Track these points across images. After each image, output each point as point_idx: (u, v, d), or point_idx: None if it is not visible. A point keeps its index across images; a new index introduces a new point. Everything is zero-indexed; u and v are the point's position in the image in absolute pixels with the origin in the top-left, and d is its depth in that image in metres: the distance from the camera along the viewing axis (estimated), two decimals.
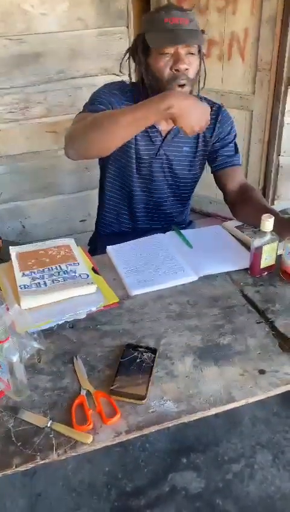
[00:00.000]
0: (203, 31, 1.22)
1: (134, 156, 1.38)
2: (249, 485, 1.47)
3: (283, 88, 2.31)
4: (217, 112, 1.40)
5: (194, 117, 1.10)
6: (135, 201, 1.47)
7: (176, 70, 1.19)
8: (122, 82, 1.36)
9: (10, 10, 1.86)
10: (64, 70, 2.03)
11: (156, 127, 1.35)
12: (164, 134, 1.37)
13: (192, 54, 1.20)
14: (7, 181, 2.18)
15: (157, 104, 1.06)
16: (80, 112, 1.26)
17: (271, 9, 2.19)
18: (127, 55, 1.30)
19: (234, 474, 1.51)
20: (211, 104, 1.40)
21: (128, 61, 1.31)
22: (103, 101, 1.26)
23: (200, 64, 1.25)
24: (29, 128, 2.10)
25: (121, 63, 1.30)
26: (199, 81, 1.29)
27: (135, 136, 1.33)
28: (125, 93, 1.32)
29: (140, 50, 1.24)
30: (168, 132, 1.36)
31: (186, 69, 1.20)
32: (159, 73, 1.21)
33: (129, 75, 1.35)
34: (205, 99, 1.42)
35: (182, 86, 1.21)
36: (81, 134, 1.13)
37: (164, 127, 1.36)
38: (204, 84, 1.32)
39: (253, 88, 2.42)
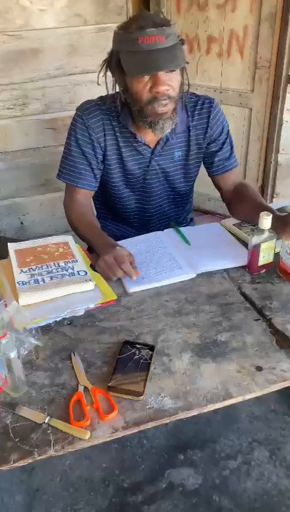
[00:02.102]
0: (182, 41, 1.15)
1: (120, 176, 1.36)
2: (246, 481, 1.48)
3: (282, 86, 2.31)
4: (209, 108, 1.34)
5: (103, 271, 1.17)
6: (130, 214, 1.47)
7: (155, 92, 1.13)
8: (101, 99, 1.30)
9: (8, 6, 1.85)
10: (62, 66, 2.02)
11: (141, 141, 1.30)
12: (152, 146, 1.33)
13: (172, 70, 1.13)
14: (6, 177, 2.18)
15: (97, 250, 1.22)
16: (61, 176, 1.37)
17: (271, 6, 2.19)
18: (104, 67, 1.21)
19: (231, 470, 1.51)
20: (203, 99, 1.35)
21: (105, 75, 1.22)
22: (79, 165, 1.32)
23: (183, 75, 1.18)
24: (27, 124, 2.10)
25: (98, 75, 1.20)
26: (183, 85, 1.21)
27: (120, 155, 1.32)
28: (106, 113, 1.28)
29: (116, 70, 1.17)
30: (157, 142, 1.33)
31: (167, 90, 1.13)
32: (137, 95, 1.16)
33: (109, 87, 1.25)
34: (194, 95, 1.36)
35: (163, 106, 1.16)
36: (69, 224, 1.39)
37: (150, 138, 1.31)
38: (188, 90, 1.26)
39: (252, 86, 2.41)
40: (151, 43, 1.08)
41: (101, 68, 1.22)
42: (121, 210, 1.47)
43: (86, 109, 1.30)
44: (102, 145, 1.31)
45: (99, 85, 1.23)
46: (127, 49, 1.12)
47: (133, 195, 1.42)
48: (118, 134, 1.30)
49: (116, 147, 1.32)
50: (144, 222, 1.50)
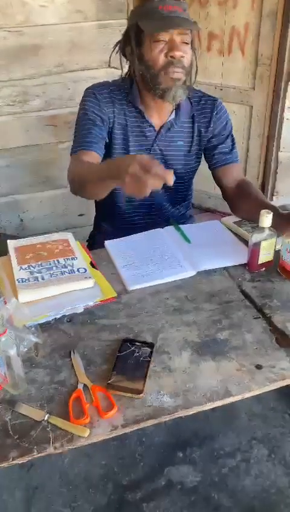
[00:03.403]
0: (195, 23, 1.21)
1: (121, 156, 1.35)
2: (245, 479, 1.48)
3: (283, 83, 2.30)
4: (212, 105, 1.38)
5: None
6: (126, 205, 1.45)
7: (171, 57, 1.18)
8: (107, 82, 1.34)
9: (9, 1, 1.84)
10: (63, 63, 2.02)
11: (148, 122, 1.33)
12: (157, 129, 1.35)
13: (186, 43, 1.20)
14: (6, 174, 2.17)
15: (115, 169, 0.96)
16: (73, 146, 1.30)
17: (272, 3, 2.18)
18: (117, 48, 1.28)
19: (230, 468, 1.52)
20: (207, 97, 1.39)
21: (120, 56, 1.29)
22: (91, 131, 1.27)
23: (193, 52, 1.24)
24: (28, 121, 2.09)
25: (110, 56, 1.28)
26: (190, 76, 1.28)
27: (126, 135, 1.33)
28: (116, 92, 1.31)
29: (133, 39, 1.22)
30: (162, 126, 1.35)
31: (182, 57, 1.19)
32: (153, 61, 1.19)
33: (130, 67, 1.31)
34: (200, 91, 1.40)
35: (177, 72, 1.20)
36: (76, 188, 1.22)
37: (156, 121, 1.34)
38: (195, 78, 1.30)
39: (253, 83, 2.41)
40: (171, 11, 1.16)
41: (115, 46, 1.28)
42: (117, 201, 1.45)
43: (97, 86, 1.32)
44: (111, 121, 1.32)
45: (110, 67, 1.30)
46: (147, 17, 1.18)
47: None
48: (127, 112, 1.32)
49: (123, 126, 1.33)
50: (140, 215, 1.49)
